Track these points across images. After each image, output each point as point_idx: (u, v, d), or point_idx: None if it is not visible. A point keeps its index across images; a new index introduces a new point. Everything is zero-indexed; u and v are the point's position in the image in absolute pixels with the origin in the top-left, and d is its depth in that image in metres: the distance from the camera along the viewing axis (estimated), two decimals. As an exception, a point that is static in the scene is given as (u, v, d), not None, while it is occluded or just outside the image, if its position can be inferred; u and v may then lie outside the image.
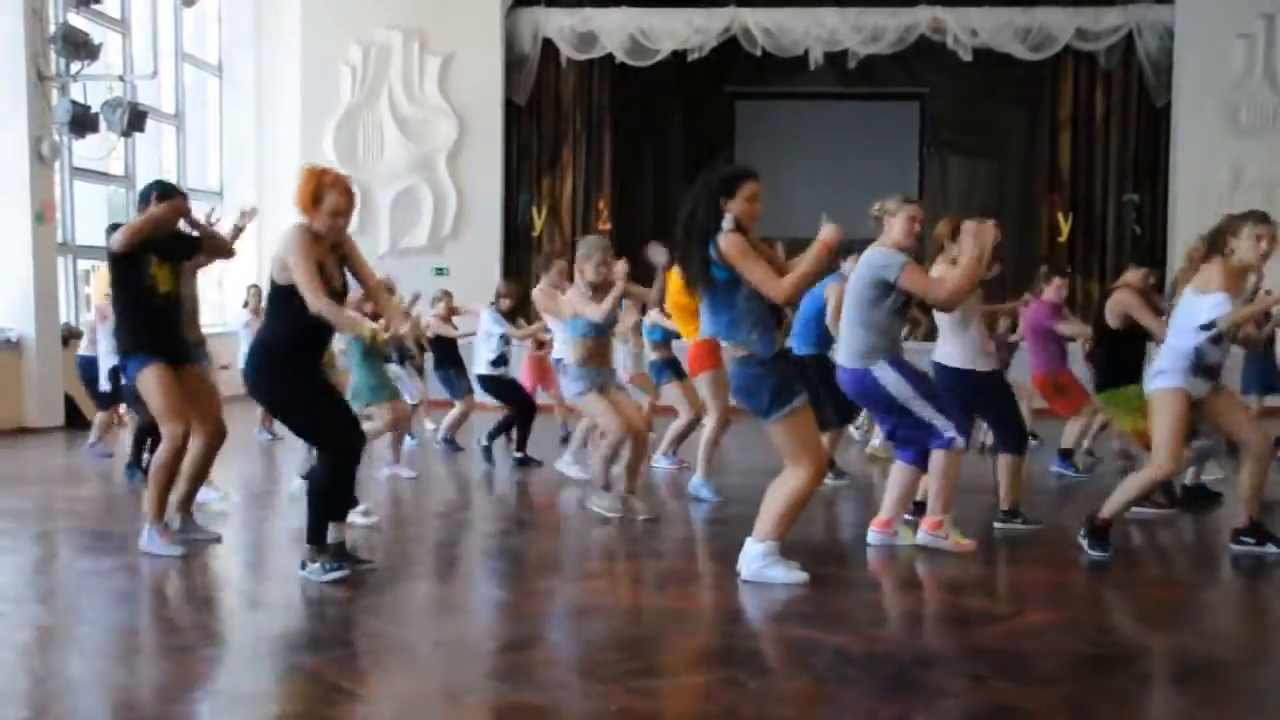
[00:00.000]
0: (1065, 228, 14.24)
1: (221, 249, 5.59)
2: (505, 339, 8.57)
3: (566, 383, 6.28)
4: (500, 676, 3.49)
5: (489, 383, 8.50)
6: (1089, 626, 4.08)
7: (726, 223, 4.48)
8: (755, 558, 4.61)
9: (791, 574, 4.58)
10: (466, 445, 8.93)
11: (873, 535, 5.37)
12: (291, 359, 4.55)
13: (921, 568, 5.04)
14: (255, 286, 10.06)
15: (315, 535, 4.60)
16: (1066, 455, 7.80)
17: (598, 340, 6.17)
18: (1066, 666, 3.61)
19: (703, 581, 4.93)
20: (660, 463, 7.82)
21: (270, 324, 4.62)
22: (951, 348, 5.64)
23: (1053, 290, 7.79)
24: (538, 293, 7.08)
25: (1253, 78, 13.50)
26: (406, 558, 5.36)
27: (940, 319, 5.68)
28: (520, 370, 9.21)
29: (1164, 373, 5.11)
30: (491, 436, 8.41)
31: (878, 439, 8.68)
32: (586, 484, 7.18)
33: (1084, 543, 5.19)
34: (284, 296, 4.52)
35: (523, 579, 5.02)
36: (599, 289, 6.15)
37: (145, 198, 5.34)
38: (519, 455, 8.24)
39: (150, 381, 5.11)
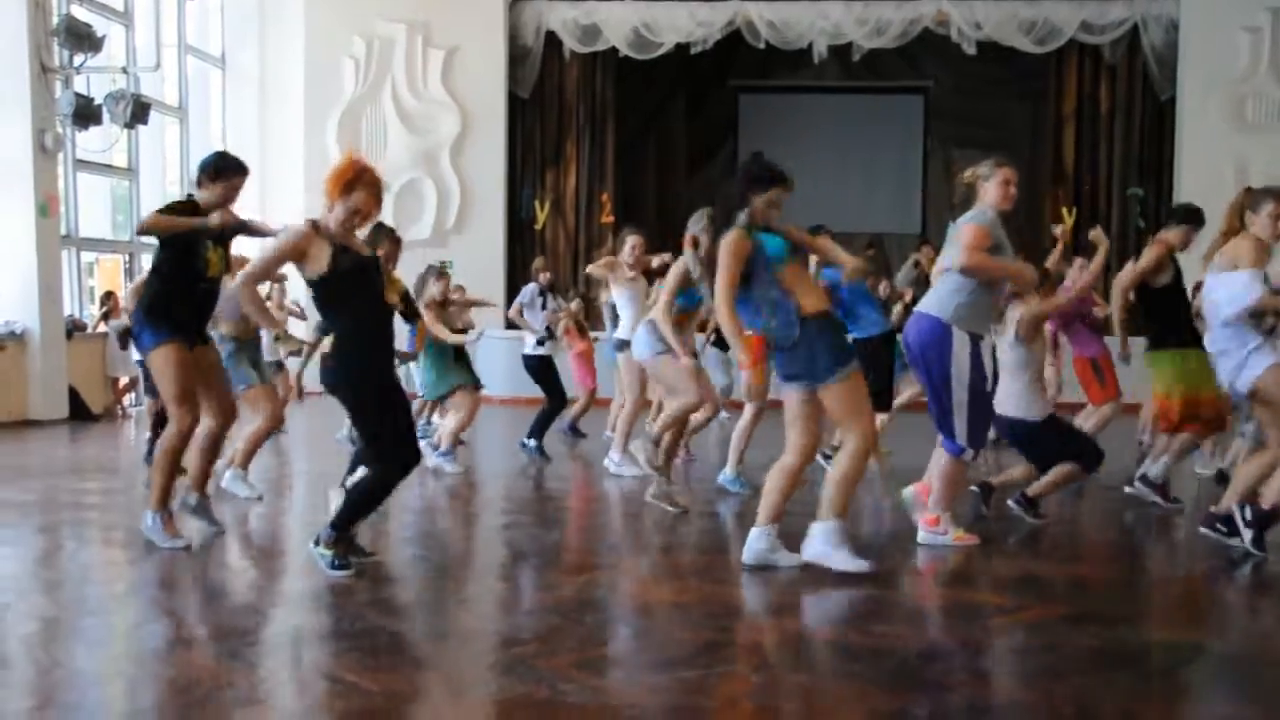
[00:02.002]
0: (1069, 221, 14.21)
1: (262, 231, 5.45)
2: (543, 306, 8.65)
3: (649, 340, 6.15)
4: (504, 670, 3.50)
5: (531, 363, 8.54)
6: (1093, 621, 4.08)
7: (742, 218, 4.57)
8: (816, 537, 4.57)
9: (858, 562, 4.56)
10: (469, 439, 8.93)
11: (921, 536, 5.27)
12: (358, 355, 4.45)
13: (924, 561, 5.04)
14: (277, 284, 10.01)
15: (341, 526, 4.58)
16: None
17: (686, 312, 6.20)
18: (1070, 661, 3.60)
19: (705, 575, 4.93)
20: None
21: (333, 324, 4.55)
22: (1004, 393, 5.51)
23: (1077, 269, 7.68)
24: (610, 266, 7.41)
25: (1258, 72, 13.47)
26: (410, 551, 5.36)
27: (1002, 361, 5.50)
28: (569, 364, 9.21)
29: (1251, 359, 4.90)
30: (536, 435, 8.31)
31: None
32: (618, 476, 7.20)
33: (1237, 538, 4.98)
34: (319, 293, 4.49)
35: (526, 572, 5.03)
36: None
37: (204, 169, 5.11)
38: (532, 444, 8.24)
39: (166, 360, 5.01)
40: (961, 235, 5.00)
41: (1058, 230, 6.19)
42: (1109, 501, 6.52)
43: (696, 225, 6.08)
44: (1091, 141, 14.47)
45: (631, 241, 7.58)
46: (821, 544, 4.58)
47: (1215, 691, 3.47)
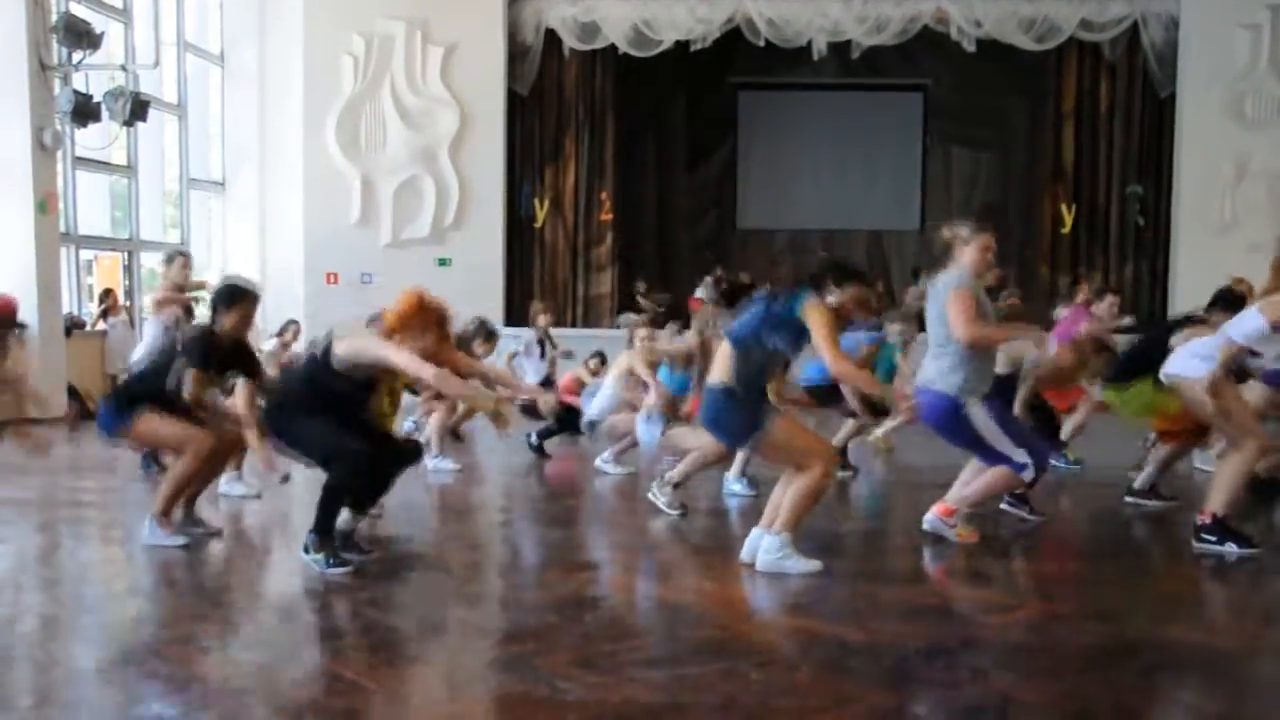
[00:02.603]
0: (1068, 219, 14.23)
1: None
2: (544, 355, 8.57)
3: (652, 429, 6.26)
4: (503, 667, 3.50)
5: (530, 407, 8.46)
6: (1091, 618, 4.09)
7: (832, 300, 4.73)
8: (771, 549, 4.64)
9: (808, 564, 4.64)
10: (467, 435, 8.93)
11: (929, 521, 5.29)
12: (313, 410, 4.62)
13: (923, 559, 5.04)
14: (294, 322, 9.95)
15: (321, 526, 4.61)
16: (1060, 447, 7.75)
17: (675, 397, 6.48)
18: (1068, 659, 3.61)
19: (704, 573, 4.93)
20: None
21: (300, 380, 4.72)
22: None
23: (1105, 308, 7.62)
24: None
25: (1258, 69, 13.46)
26: (409, 548, 5.36)
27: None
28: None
29: (1209, 359, 4.99)
30: (541, 436, 8.29)
31: (881, 429, 8.66)
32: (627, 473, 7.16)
33: (1218, 547, 5.03)
34: (332, 370, 4.62)
35: (525, 570, 5.03)
36: None
37: (220, 299, 5.24)
38: (536, 443, 8.23)
39: (149, 425, 5.07)
40: (950, 304, 4.97)
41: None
42: (1106, 499, 6.53)
43: (705, 292, 6.13)
44: (1091, 139, 14.46)
45: (642, 335, 7.56)
46: (776, 554, 4.62)
47: (1212, 687, 3.47)
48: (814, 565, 4.64)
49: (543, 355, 8.66)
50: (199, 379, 5.10)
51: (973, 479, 5.30)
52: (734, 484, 6.63)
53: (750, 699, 3.24)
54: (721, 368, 4.67)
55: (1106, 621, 4.09)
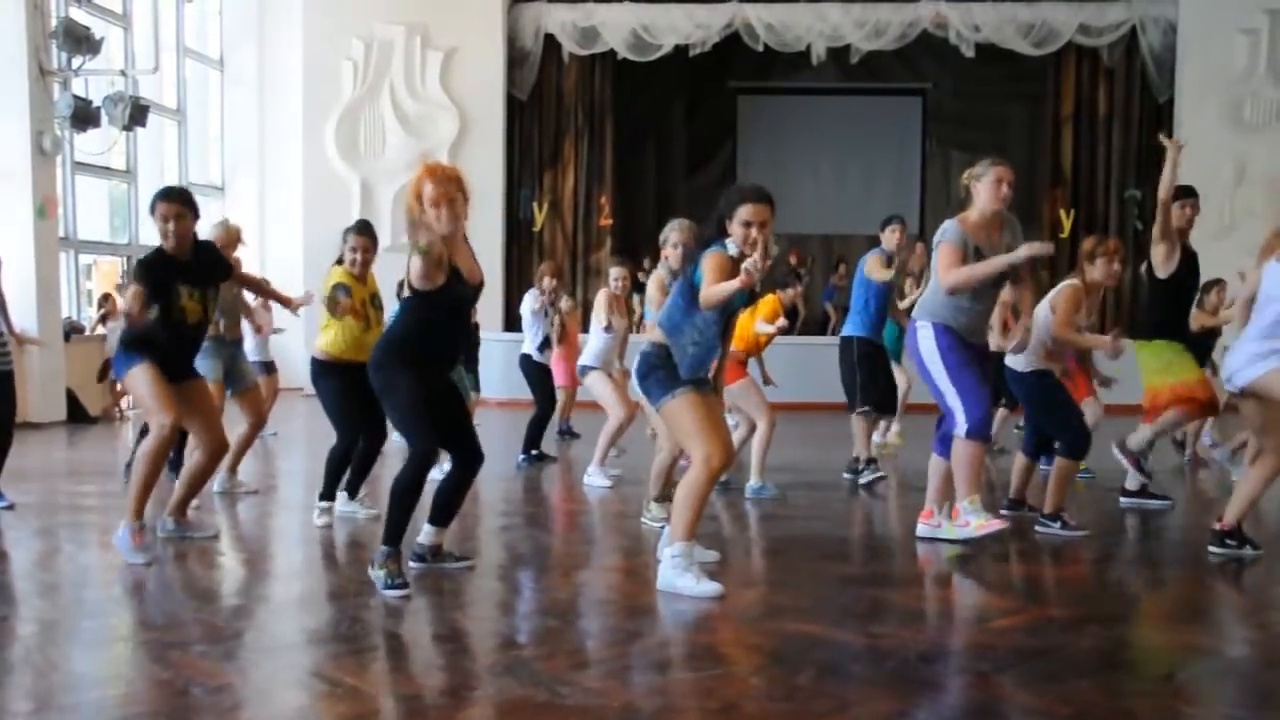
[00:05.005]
0: (1067, 224, 14.23)
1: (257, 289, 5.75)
2: (547, 315, 8.58)
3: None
4: (503, 671, 3.50)
5: (527, 364, 8.48)
6: (1093, 623, 4.08)
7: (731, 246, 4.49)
8: (664, 564, 4.38)
9: (701, 585, 4.28)
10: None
11: (920, 528, 5.34)
12: (409, 357, 4.43)
13: (925, 563, 5.04)
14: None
15: (388, 535, 4.43)
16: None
17: None
18: (1068, 663, 3.60)
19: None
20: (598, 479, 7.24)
21: (398, 320, 4.58)
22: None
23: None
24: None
25: (1256, 73, 13.48)
26: (407, 553, 5.35)
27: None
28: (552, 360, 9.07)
29: (1270, 355, 4.75)
30: (529, 447, 8.20)
31: (889, 434, 8.67)
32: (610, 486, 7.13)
33: (1237, 551, 5.07)
34: (415, 299, 4.48)
35: (524, 574, 5.03)
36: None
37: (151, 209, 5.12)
38: (535, 453, 8.19)
39: (137, 378, 4.98)
40: (940, 255, 5.03)
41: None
42: (1107, 503, 6.52)
43: (674, 232, 6.05)
44: (1090, 144, 14.47)
45: (615, 274, 7.53)
46: (670, 570, 4.33)
47: (1214, 693, 3.47)
48: (710, 588, 4.26)
49: (546, 314, 8.64)
50: (187, 295, 5.01)
51: (935, 480, 5.30)
52: (763, 491, 6.58)
53: (751, 704, 3.24)
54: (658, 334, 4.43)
55: (1108, 626, 4.08)
